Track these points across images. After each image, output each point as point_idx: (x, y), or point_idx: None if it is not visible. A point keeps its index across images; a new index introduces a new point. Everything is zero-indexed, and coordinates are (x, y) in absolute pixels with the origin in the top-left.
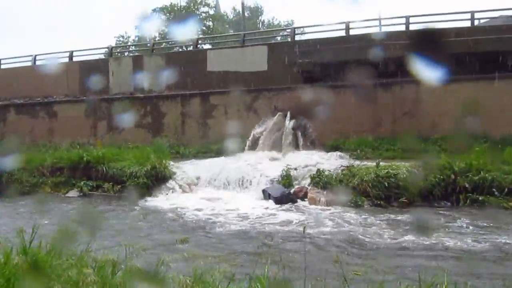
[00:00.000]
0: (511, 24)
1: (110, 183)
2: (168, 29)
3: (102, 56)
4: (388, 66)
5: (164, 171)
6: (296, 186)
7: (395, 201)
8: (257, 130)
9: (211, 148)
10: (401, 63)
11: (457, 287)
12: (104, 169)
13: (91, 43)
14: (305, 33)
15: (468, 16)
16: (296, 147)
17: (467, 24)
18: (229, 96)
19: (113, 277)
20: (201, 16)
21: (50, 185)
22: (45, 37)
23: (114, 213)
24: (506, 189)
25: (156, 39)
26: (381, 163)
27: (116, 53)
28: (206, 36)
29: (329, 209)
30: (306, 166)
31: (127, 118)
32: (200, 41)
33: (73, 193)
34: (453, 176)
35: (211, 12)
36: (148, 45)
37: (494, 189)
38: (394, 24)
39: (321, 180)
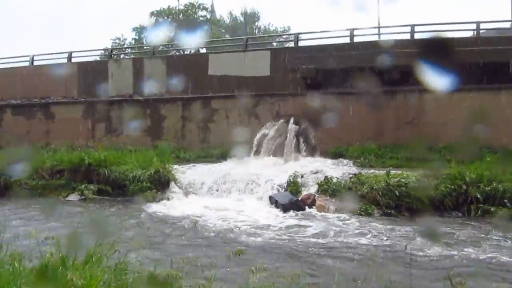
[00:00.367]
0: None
1: (111, 187)
2: (172, 35)
3: (101, 58)
4: (392, 74)
5: (167, 176)
6: (304, 193)
7: (405, 211)
8: (259, 135)
9: (212, 153)
10: (406, 72)
11: None
12: (106, 173)
13: (88, 44)
14: (308, 39)
15: (473, 26)
16: (298, 153)
17: (470, 34)
18: (230, 101)
19: None
20: (198, 20)
21: (50, 188)
22: (42, 38)
23: (127, 219)
24: None
25: (159, 45)
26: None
27: (116, 55)
28: (210, 40)
29: (345, 218)
30: (312, 173)
31: (126, 121)
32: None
33: (74, 196)
34: (464, 187)
35: (209, 16)
36: (147, 47)
37: (506, 200)
38: (399, 33)
39: (329, 188)
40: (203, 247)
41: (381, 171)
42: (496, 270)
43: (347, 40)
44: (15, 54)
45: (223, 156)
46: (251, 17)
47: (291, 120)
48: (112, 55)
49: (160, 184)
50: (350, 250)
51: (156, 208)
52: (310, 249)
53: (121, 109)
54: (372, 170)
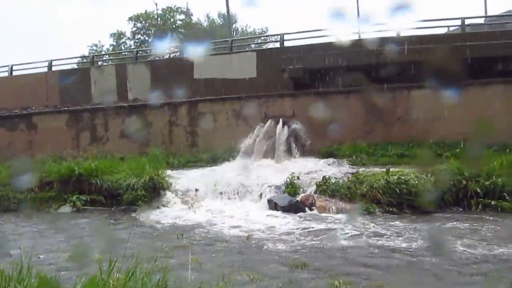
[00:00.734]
0: (503, 30)
1: (104, 197)
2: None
3: (80, 66)
4: (380, 72)
5: (162, 182)
6: (302, 195)
7: (407, 208)
8: (248, 138)
9: (201, 158)
10: (393, 69)
11: None
12: (98, 182)
13: (64, 53)
14: (293, 39)
15: (459, 22)
16: (290, 154)
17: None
18: (217, 104)
19: None
20: (175, 25)
21: (39, 200)
22: (18, 48)
23: (131, 231)
24: None
25: (142, 50)
26: (383, 169)
27: (97, 62)
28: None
29: (354, 218)
30: (308, 173)
31: (111, 129)
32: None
33: (65, 208)
34: (464, 182)
35: (188, 19)
36: (126, 53)
37: (505, 194)
38: (385, 30)
39: (328, 188)
40: (247, 261)
41: (376, 169)
42: None
43: (332, 39)
44: None
45: (213, 160)
46: (228, 19)
47: (280, 121)
48: (94, 62)
49: (155, 192)
50: (406, 252)
51: (156, 216)
52: (363, 254)
53: (106, 116)
54: (369, 168)
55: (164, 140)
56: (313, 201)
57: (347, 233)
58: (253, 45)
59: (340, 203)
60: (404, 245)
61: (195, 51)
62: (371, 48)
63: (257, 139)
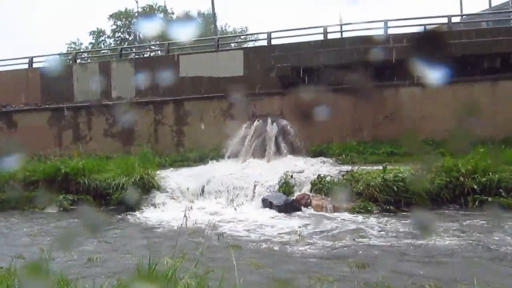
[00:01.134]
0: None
1: (92, 196)
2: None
3: (60, 61)
4: (368, 70)
5: (152, 182)
6: (297, 193)
7: (404, 206)
8: (236, 137)
9: (188, 157)
10: (381, 67)
11: None
12: (86, 182)
13: (39, 51)
14: (280, 37)
15: (445, 20)
16: (279, 153)
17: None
18: (204, 102)
19: None
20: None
21: (24, 200)
22: None
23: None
24: None
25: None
26: (376, 167)
27: (80, 59)
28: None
29: (355, 216)
30: (300, 172)
31: (94, 127)
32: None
33: (52, 208)
34: (461, 178)
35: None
36: (105, 51)
37: (501, 190)
38: (372, 28)
39: (324, 187)
40: (297, 263)
41: (369, 167)
42: None
43: (320, 37)
44: None
45: (201, 160)
46: (208, 18)
47: (269, 120)
48: (77, 59)
49: (145, 191)
50: (437, 251)
51: (150, 215)
52: (409, 253)
53: (89, 115)
54: (360, 167)
55: (149, 139)
56: (309, 200)
57: (369, 232)
58: (233, 44)
59: (336, 202)
60: (422, 242)
61: (181, 49)
62: (358, 46)
63: (246, 138)
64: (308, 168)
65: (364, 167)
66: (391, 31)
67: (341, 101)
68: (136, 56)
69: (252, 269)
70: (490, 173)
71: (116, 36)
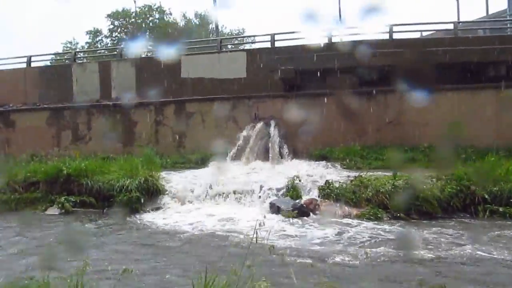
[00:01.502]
0: (493, 35)
1: (95, 198)
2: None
3: (55, 62)
4: (372, 75)
5: (156, 184)
6: (305, 198)
7: (414, 213)
8: (238, 139)
9: (190, 159)
10: (385, 72)
11: None
12: (89, 183)
13: (34, 50)
14: (285, 39)
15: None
16: (281, 156)
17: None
18: (206, 104)
19: None
20: (151, 24)
21: (24, 201)
22: None
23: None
24: None
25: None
26: (382, 173)
27: (80, 58)
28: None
29: (376, 224)
30: (309, 176)
31: (94, 128)
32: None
33: (53, 210)
34: (473, 187)
35: (168, 19)
36: (102, 51)
37: None
38: (377, 33)
39: (332, 192)
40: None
41: (376, 173)
42: None
43: (325, 40)
44: None
45: (202, 162)
46: (204, 19)
47: (272, 123)
48: (76, 59)
49: (149, 193)
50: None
51: (158, 220)
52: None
53: (89, 115)
54: (366, 172)
55: (150, 140)
56: (317, 205)
57: (410, 241)
58: (230, 46)
59: (345, 207)
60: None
61: (180, 50)
62: (363, 50)
63: (249, 141)
64: (313, 173)
65: (372, 173)
66: (395, 36)
67: (345, 105)
68: (136, 57)
69: None
70: (502, 183)
71: (113, 36)
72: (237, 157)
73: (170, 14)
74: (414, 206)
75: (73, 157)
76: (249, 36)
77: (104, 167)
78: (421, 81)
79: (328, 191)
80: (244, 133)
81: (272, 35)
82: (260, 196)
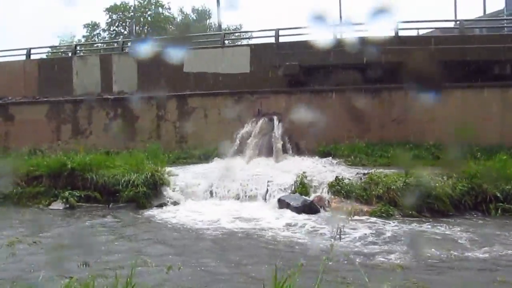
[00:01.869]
0: (500, 33)
1: (100, 193)
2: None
3: (52, 55)
4: (377, 72)
5: (162, 179)
6: (315, 195)
7: (426, 211)
8: (241, 134)
9: (192, 154)
10: (390, 69)
11: None
12: (94, 178)
13: (28, 44)
14: (288, 35)
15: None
16: (285, 152)
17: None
18: (209, 99)
19: None
20: (149, 19)
21: (27, 196)
22: None
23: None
24: None
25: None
26: (390, 170)
27: (80, 51)
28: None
29: (400, 222)
30: (313, 173)
31: (95, 122)
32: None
33: (57, 205)
34: (485, 185)
35: (166, 13)
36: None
37: None
38: (382, 29)
39: (342, 189)
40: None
41: (384, 170)
42: None
43: (330, 36)
44: None
45: (205, 157)
46: (202, 15)
47: (275, 119)
48: (76, 52)
49: (155, 189)
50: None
51: (166, 215)
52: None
53: (90, 109)
54: (371, 169)
55: (151, 135)
56: (327, 202)
57: (453, 241)
58: (227, 41)
59: (356, 204)
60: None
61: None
62: (368, 46)
63: (252, 136)
64: (320, 169)
65: (381, 170)
66: (401, 33)
67: (349, 101)
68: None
69: None
70: None
71: (111, 29)
72: (240, 152)
73: (169, 8)
74: (426, 204)
75: (75, 151)
76: (254, 31)
77: (109, 161)
78: (427, 79)
79: (338, 188)
80: (247, 128)
81: (277, 31)
82: (268, 192)
